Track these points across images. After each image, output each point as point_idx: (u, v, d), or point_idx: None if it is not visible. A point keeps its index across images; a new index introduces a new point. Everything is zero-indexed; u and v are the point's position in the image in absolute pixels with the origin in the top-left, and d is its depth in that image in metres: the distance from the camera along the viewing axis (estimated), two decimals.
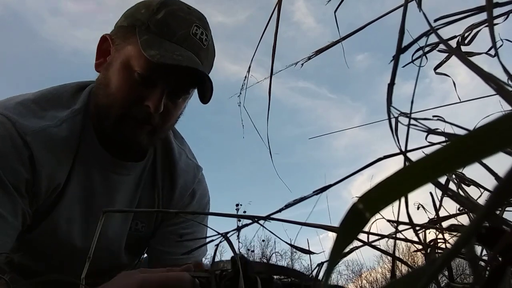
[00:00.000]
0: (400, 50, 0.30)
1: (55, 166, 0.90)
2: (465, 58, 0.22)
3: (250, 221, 0.40)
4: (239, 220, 0.43)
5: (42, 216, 0.93)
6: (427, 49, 0.46)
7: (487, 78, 0.20)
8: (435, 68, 0.52)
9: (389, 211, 0.43)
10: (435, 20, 0.39)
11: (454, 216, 0.44)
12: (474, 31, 0.49)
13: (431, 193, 0.44)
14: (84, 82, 1.04)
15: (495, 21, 0.46)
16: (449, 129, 0.38)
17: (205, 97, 0.93)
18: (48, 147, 0.89)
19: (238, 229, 0.43)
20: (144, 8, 0.92)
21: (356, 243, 0.40)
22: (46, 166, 0.88)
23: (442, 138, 0.37)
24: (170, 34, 0.89)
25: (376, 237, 0.42)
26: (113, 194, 1.01)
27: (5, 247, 0.83)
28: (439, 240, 0.36)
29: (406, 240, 0.39)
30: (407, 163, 0.31)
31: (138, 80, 0.88)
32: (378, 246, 0.44)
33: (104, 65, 0.94)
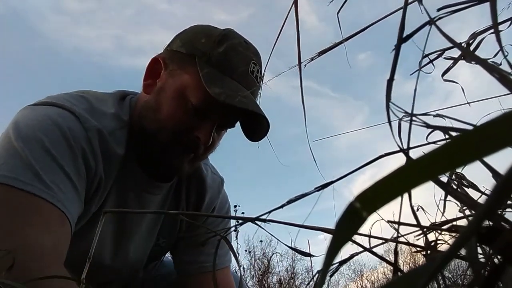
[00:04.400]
0: (400, 43, 0.30)
1: (104, 174, 0.87)
2: (470, 53, 0.22)
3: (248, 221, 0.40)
4: (238, 221, 0.43)
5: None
6: (432, 56, 0.45)
7: (491, 69, 0.20)
8: (443, 75, 0.51)
9: (389, 212, 0.42)
10: (438, 10, 0.39)
11: (457, 219, 0.43)
12: (478, 38, 0.49)
13: (440, 188, 0.43)
14: (122, 92, 1.01)
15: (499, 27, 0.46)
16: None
17: (255, 135, 0.94)
18: (103, 150, 0.86)
19: (234, 227, 0.43)
20: (205, 37, 0.90)
21: (357, 249, 0.40)
22: (99, 169, 0.86)
23: (443, 136, 0.37)
24: (231, 70, 0.87)
25: (377, 240, 0.41)
26: (144, 214, 1.00)
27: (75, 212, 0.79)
28: (439, 241, 0.36)
29: (407, 243, 0.38)
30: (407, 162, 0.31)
31: (191, 111, 0.87)
32: (379, 247, 0.44)
33: (155, 89, 0.92)
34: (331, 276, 0.45)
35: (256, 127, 0.93)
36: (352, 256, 0.43)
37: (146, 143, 0.91)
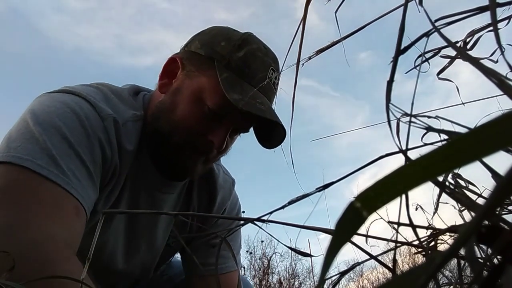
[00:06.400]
0: (400, 46, 0.30)
1: (119, 163, 0.86)
2: (466, 54, 0.22)
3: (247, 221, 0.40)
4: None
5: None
6: (429, 54, 0.45)
7: (489, 73, 0.20)
8: (438, 74, 0.51)
9: (389, 213, 0.42)
10: (436, 20, 0.39)
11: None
12: (476, 36, 0.49)
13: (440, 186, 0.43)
14: (136, 87, 1.00)
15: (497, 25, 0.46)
16: (450, 128, 0.38)
17: (269, 143, 0.93)
18: (118, 140, 0.85)
19: (235, 228, 0.43)
20: (224, 40, 0.89)
21: (355, 251, 0.40)
22: (114, 159, 0.84)
23: (443, 136, 0.37)
24: (250, 76, 0.86)
25: (376, 241, 0.41)
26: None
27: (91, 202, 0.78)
28: (438, 242, 0.36)
29: (406, 243, 0.38)
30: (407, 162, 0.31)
31: (207, 114, 0.86)
32: (377, 247, 0.44)
33: (171, 89, 0.91)
34: (333, 286, 0.44)
35: (271, 134, 0.92)
36: (353, 266, 0.43)
37: (160, 143, 0.90)
